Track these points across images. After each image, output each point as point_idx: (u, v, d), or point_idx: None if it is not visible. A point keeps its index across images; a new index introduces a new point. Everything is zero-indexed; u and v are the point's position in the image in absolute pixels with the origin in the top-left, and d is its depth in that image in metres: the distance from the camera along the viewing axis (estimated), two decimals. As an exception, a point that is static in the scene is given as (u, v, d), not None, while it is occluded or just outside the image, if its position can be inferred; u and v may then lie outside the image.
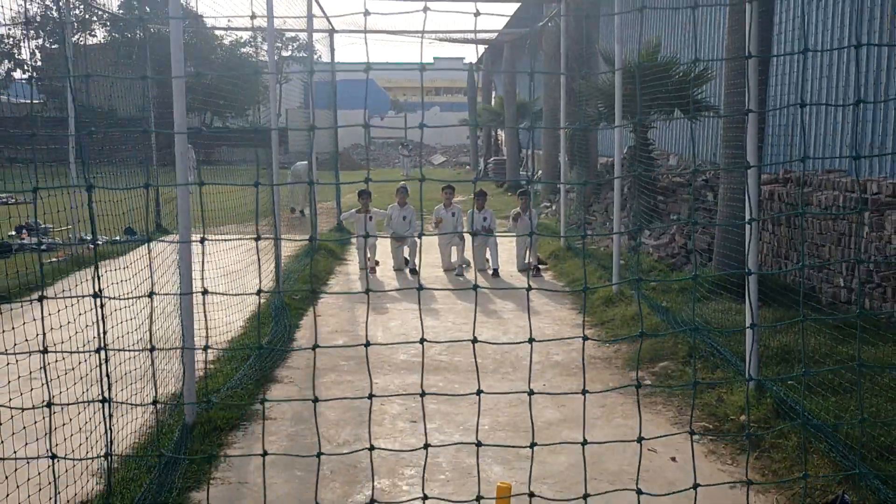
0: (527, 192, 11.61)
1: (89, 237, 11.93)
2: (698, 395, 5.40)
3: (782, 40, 11.00)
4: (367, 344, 2.60)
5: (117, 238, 11.95)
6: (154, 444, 4.54)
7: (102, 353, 2.72)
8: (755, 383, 5.10)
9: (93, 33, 35.98)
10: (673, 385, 5.74)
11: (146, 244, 3.72)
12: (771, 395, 4.94)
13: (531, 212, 11.36)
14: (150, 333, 2.92)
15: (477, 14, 2.96)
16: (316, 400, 2.58)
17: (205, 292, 2.85)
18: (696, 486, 2.66)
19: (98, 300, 2.68)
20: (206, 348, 3.43)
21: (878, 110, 8.79)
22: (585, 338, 2.71)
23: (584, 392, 2.63)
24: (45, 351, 2.83)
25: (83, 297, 2.77)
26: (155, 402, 2.83)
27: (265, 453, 2.61)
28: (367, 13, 2.85)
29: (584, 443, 2.63)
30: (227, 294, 3.16)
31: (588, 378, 6.10)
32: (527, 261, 10.99)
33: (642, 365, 6.28)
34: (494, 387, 5.97)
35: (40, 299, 2.75)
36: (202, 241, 3.01)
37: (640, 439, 2.64)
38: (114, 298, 3.17)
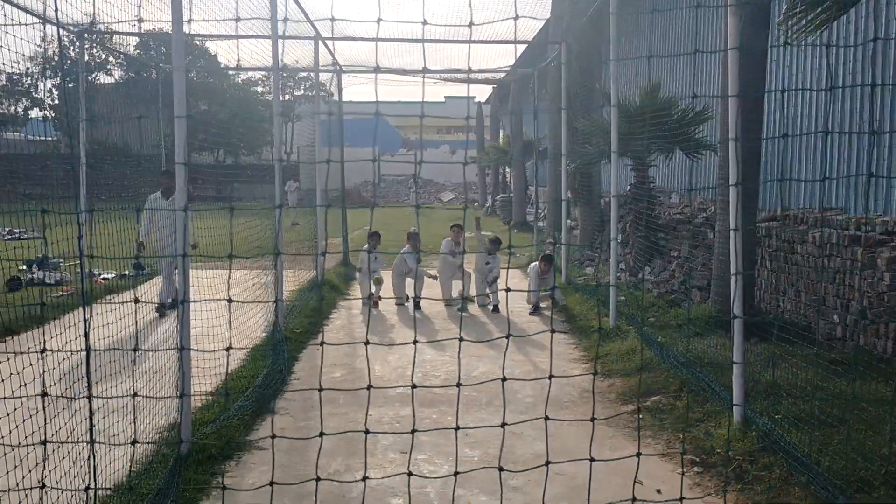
0: (551, 259, 11.09)
1: (97, 271, 12.15)
2: (686, 428, 5.45)
3: (807, 76, 11.19)
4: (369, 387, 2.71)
5: (125, 273, 12.18)
6: (147, 474, 4.63)
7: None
8: (741, 416, 5.16)
9: (109, 73, 36.78)
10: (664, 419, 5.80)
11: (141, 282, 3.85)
12: (757, 429, 5.00)
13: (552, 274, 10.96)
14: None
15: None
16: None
17: (182, 349, 2.98)
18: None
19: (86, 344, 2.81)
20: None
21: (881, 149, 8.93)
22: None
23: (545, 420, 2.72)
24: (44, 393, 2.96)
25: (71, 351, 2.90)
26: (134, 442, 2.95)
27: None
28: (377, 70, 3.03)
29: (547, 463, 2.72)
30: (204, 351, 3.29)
31: (581, 412, 6.16)
32: (538, 298, 11.07)
33: (634, 399, 6.34)
34: (486, 420, 6.04)
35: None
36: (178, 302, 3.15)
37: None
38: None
